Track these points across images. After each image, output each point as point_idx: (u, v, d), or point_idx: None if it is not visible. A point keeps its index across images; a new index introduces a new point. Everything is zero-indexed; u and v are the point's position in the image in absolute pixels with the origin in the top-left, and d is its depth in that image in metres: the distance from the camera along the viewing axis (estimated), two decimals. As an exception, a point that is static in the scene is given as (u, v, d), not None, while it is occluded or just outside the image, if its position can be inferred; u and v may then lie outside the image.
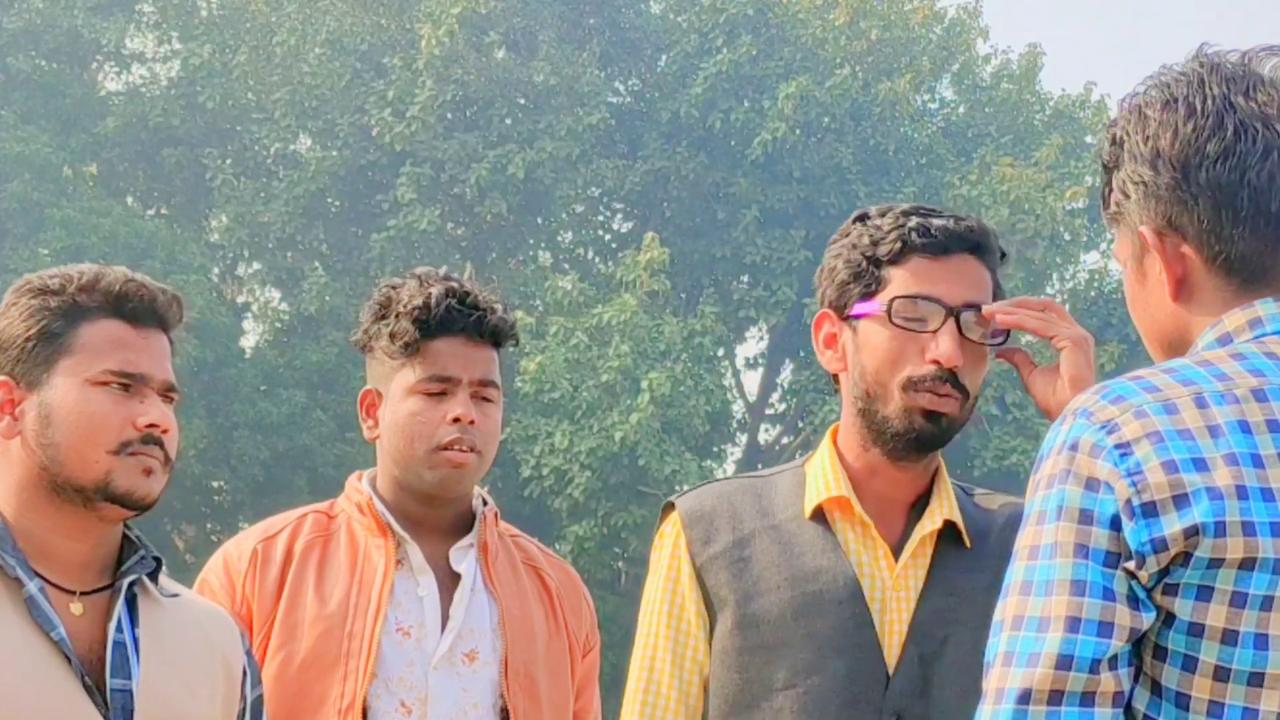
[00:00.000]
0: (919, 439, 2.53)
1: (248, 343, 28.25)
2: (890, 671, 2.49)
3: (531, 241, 29.11)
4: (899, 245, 2.54)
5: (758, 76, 26.91)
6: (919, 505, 2.61)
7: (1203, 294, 1.91)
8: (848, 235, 2.61)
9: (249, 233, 27.54)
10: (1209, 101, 1.88)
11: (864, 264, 2.56)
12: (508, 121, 26.93)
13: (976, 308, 2.53)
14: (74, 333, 2.48)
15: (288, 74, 27.24)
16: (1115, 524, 1.76)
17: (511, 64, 27.00)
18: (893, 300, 2.52)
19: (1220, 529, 1.73)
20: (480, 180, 26.12)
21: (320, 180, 26.84)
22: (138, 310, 2.51)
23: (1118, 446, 1.77)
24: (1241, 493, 1.74)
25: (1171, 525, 1.74)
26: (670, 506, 2.70)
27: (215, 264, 28.31)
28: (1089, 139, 27.80)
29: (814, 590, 2.53)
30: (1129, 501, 1.75)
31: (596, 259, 29.26)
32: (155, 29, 29.17)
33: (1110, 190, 1.98)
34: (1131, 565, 1.75)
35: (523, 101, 27.16)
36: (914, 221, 2.55)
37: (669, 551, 2.65)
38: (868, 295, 2.55)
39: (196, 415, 23.95)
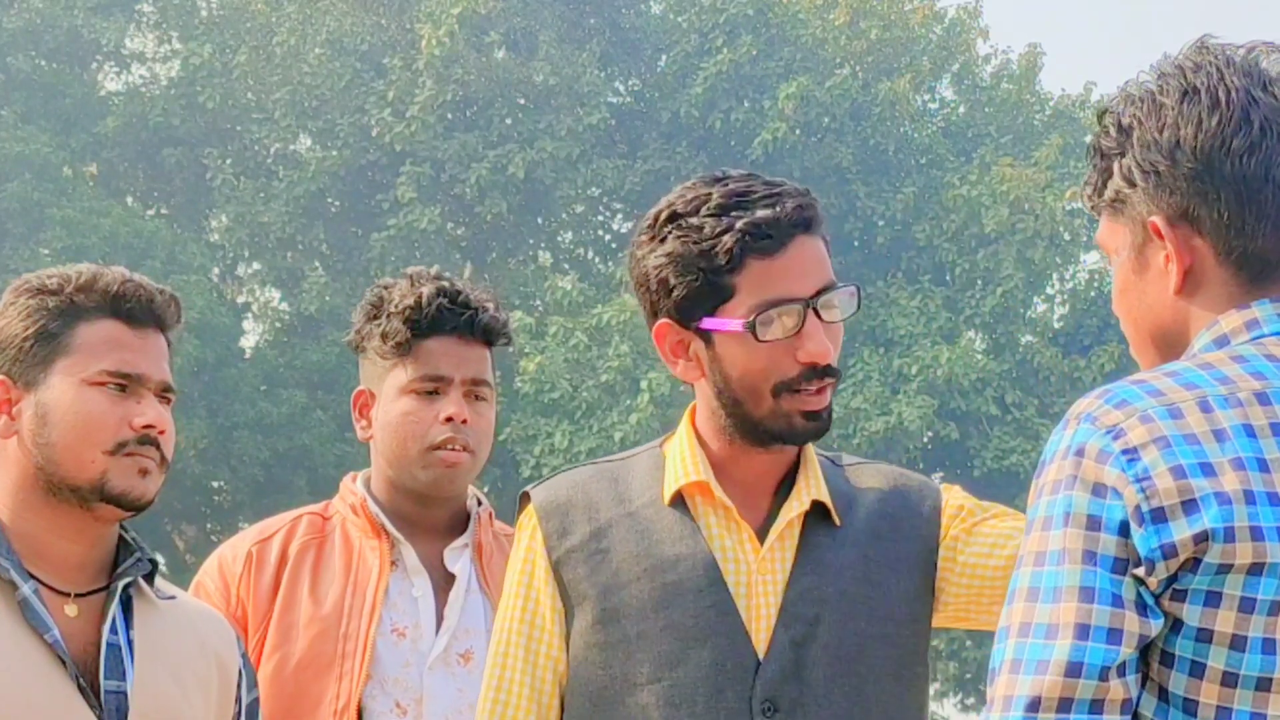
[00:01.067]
0: (802, 438, 2.45)
1: (248, 343, 28.25)
2: (760, 658, 2.40)
3: (531, 241, 29.12)
4: (737, 251, 2.38)
5: (758, 76, 26.92)
6: (785, 485, 2.51)
7: (1208, 288, 1.89)
8: (664, 240, 2.44)
9: (249, 233, 27.54)
10: (1233, 94, 1.86)
11: (701, 277, 2.40)
12: (508, 121, 26.93)
13: (828, 289, 2.42)
14: (71, 333, 2.47)
15: (288, 74, 27.24)
16: (1123, 530, 1.74)
17: (511, 64, 27.00)
18: (752, 316, 2.38)
19: (1229, 534, 1.72)
20: (480, 180, 26.13)
21: (320, 180, 26.84)
22: (135, 311, 2.51)
23: (1125, 452, 1.76)
24: (1249, 498, 1.73)
25: (1181, 531, 1.73)
26: (526, 497, 2.58)
27: (215, 264, 28.30)
28: (1089, 139, 27.70)
29: (673, 580, 2.44)
30: (1138, 508, 1.74)
31: (596, 259, 29.26)
32: (155, 29, 29.17)
33: (1109, 176, 1.95)
34: (1140, 571, 1.74)
35: (523, 101, 27.16)
36: (741, 221, 2.38)
37: (524, 546, 2.54)
38: (714, 309, 2.42)
39: (196, 415, 23.95)
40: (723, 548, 2.46)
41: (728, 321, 2.41)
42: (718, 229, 2.40)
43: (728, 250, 2.39)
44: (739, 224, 2.39)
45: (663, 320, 2.47)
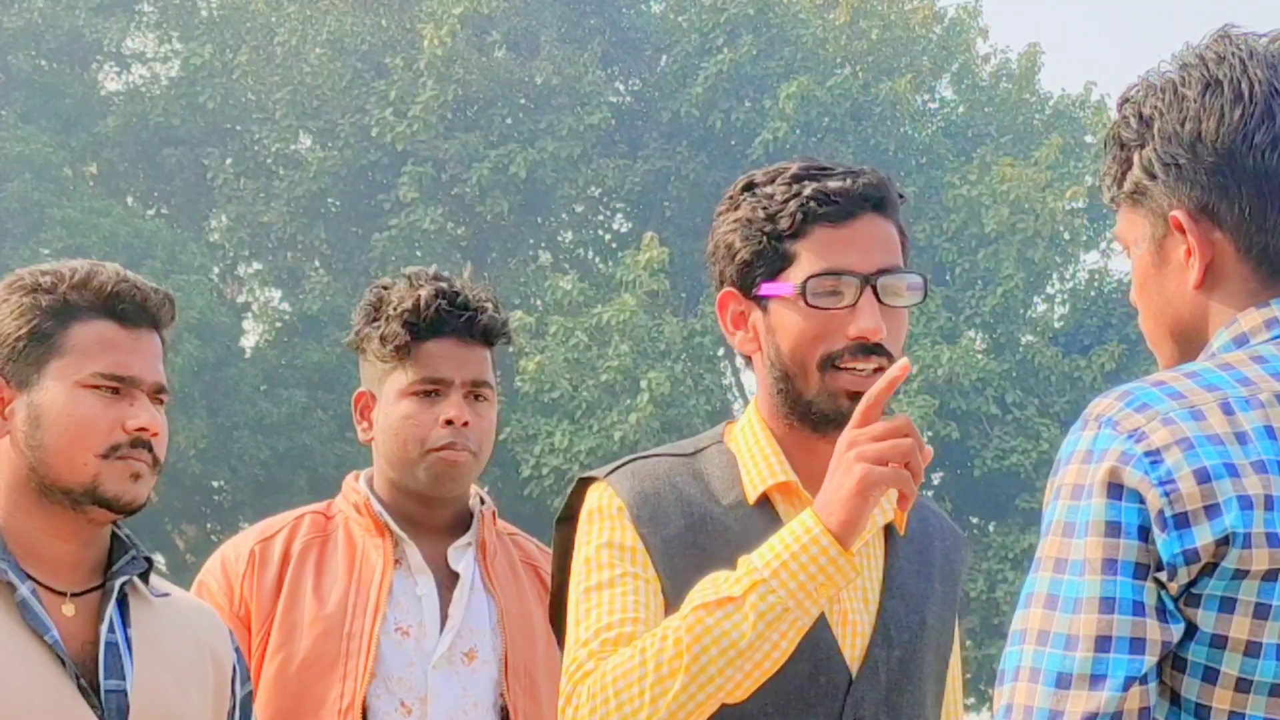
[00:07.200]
0: (846, 421, 2.32)
1: (248, 343, 28.24)
2: (853, 675, 2.35)
3: (532, 241, 29.12)
4: (800, 216, 2.35)
5: (758, 76, 26.92)
6: None
7: (1228, 283, 1.86)
8: (738, 208, 2.41)
9: (249, 233, 27.54)
10: (1256, 87, 1.83)
11: (764, 241, 2.37)
12: (509, 121, 26.94)
13: (891, 271, 2.37)
14: (65, 333, 2.44)
15: (288, 74, 27.23)
16: (1143, 535, 1.71)
17: (513, 64, 27.00)
18: (805, 281, 2.34)
19: (1247, 539, 1.69)
20: (482, 180, 26.13)
21: (321, 180, 26.84)
22: (129, 311, 2.47)
23: (1147, 454, 1.72)
24: (1269, 503, 1.71)
25: (1204, 536, 1.70)
26: (589, 480, 2.43)
27: (215, 264, 28.28)
28: (1089, 139, 27.78)
29: None
30: (1161, 512, 1.71)
31: (596, 259, 29.26)
32: (155, 29, 29.15)
33: (1128, 167, 1.91)
34: (1163, 576, 1.71)
35: (524, 101, 27.16)
36: (810, 188, 2.36)
37: (616, 526, 2.37)
38: (774, 275, 2.37)
39: (197, 415, 23.95)
40: None
41: (783, 285, 2.37)
42: (787, 195, 2.38)
43: (791, 214, 2.36)
44: (807, 190, 2.37)
45: (726, 289, 2.44)
